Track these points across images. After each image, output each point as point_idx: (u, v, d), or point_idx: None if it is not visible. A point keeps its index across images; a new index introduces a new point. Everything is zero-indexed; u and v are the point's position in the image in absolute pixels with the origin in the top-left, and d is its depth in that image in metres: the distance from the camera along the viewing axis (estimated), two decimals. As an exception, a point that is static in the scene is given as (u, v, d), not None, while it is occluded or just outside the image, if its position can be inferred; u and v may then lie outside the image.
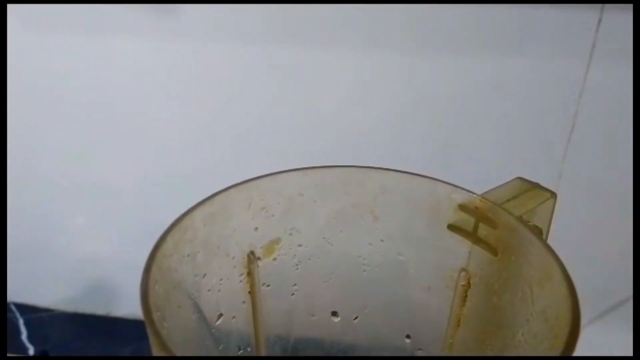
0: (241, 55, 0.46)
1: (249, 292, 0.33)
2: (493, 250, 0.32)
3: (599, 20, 0.43)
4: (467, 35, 0.44)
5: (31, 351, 0.63)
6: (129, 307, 0.65)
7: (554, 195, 0.33)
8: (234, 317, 0.33)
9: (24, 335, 0.65)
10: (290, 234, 0.34)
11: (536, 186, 0.34)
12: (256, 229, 0.33)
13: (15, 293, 0.66)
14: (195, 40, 0.46)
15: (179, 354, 0.22)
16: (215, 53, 0.46)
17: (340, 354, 0.38)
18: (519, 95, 0.46)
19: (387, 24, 0.44)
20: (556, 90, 0.46)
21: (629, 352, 0.36)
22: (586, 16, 0.43)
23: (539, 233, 0.32)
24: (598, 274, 0.40)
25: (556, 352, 0.25)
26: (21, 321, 0.66)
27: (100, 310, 0.66)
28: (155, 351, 0.24)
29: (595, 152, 0.47)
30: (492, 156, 0.47)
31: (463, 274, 0.34)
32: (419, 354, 0.37)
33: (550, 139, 0.47)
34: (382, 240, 0.35)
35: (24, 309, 0.67)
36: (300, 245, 0.34)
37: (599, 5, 0.42)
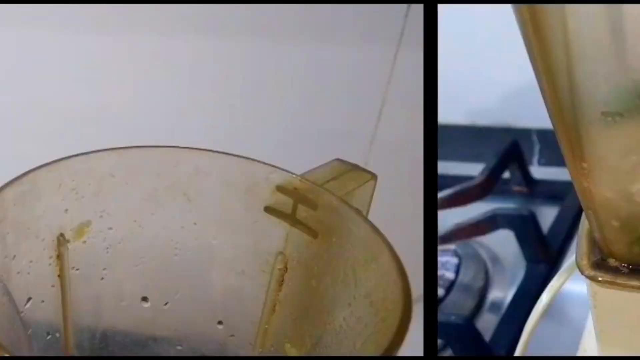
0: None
1: (58, 276, 0.31)
2: (313, 232, 0.31)
3: (408, 9, 0.45)
4: (280, 22, 0.45)
5: None
6: None
7: (374, 176, 0.33)
8: (43, 301, 0.31)
9: None
10: (101, 216, 0.32)
11: (355, 167, 0.34)
12: (66, 210, 0.31)
13: None
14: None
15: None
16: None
17: (149, 341, 0.37)
18: (332, 80, 0.47)
19: (193, 9, 0.42)
20: (366, 75, 0.47)
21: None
22: (396, 5, 0.45)
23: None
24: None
25: (384, 336, 0.24)
26: None
27: None
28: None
29: (401, 135, 0.50)
30: (306, 138, 0.48)
31: (280, 257, 0.33)
32: (232, 340, 0.36)
33: (361, 121, 0.49)
34: (195, 224, 0.34)
35: None
36: (110, 228, 0.33)
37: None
